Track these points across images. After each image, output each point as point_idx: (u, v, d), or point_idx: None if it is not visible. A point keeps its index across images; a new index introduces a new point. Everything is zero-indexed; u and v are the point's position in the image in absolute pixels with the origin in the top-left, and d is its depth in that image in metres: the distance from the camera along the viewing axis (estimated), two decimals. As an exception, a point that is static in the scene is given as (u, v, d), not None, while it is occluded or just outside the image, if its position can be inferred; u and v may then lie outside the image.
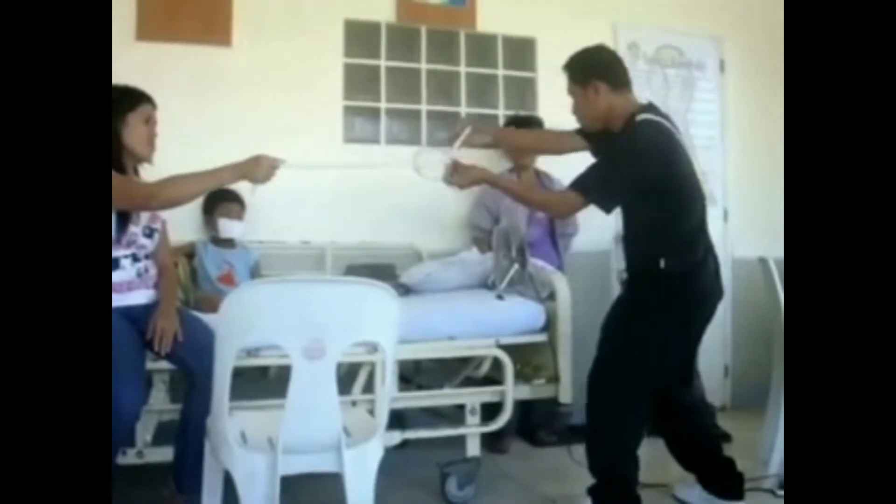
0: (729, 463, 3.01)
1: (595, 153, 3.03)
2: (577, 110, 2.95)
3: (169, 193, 2.61)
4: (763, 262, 3.40)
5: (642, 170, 2.70)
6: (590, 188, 2.76)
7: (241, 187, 3.04)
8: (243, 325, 2.13)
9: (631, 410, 2.83)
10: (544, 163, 4.20)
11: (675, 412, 3.02)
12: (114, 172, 2.56)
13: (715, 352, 4.78)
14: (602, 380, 2.88)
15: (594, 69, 2.88)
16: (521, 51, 4.56)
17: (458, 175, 2.98)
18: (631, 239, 2.94)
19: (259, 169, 2.67)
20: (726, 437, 4.03)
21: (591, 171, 2.82)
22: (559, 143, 3.25)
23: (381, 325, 2.23)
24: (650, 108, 2.86)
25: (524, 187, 2.98)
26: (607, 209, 2.86)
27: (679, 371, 2.99)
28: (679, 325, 2.83)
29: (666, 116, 2.87)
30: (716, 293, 2.88)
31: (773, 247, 3.73)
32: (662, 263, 2.75)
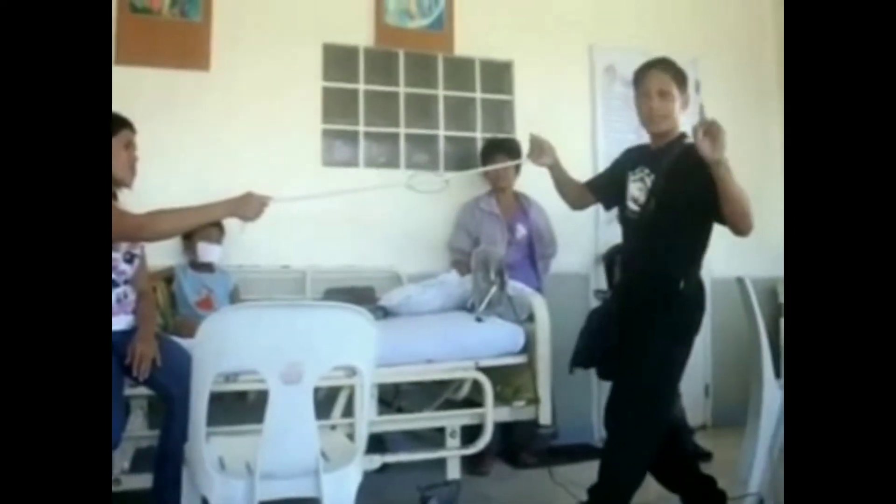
0: (709, 481, 3.01)
1: (607, 206, 3.18)
2: (666, 107, 2.88)
3: (158, 226, 2.62)
4: (741, 281, 3.41)
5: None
6: None
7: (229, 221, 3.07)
8: (220, 350, 2.12)
9: (653, 434, 2.83)
10: (521, 185, 4.23)
11: None
12: None
13: (695, 371, 4.79)
14: (628, 408, 2.85)
15: (687, 83, 2.93)
16: (499, 74, 4.60)
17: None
18: (649, 258, 2.90)
19: (249, 207, 2.69)
20: (707, 456, 4.05)
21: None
22: (582, 198, 3.25)
23: (359, 349, 2.23)
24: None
25: (740, 188, 2.69)
26: None
27: None
28: (691, 344, 2.87)
29: None
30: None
31: (751, 267, 3.78)
32: (682, 285, 2.77)
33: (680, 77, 2.91)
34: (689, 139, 2.85)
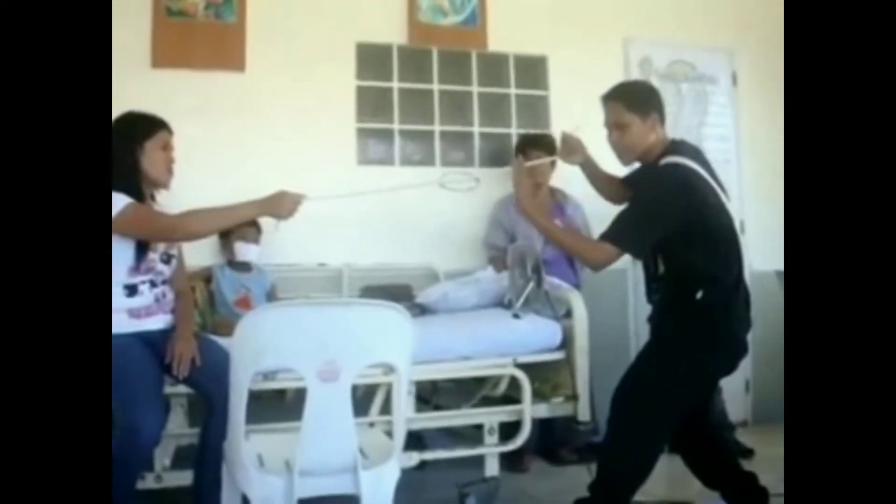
0: (751, 478, 2.98)
1: None
2: (625, 141, 2.87)
3: (191, 227, 2.66)
4: (780, 275, 3.37)
5: (671, 216, 2.70)
6: (624, 237, 2.73)
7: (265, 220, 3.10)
8: (257, 348, 2.14)
9: (651, 438, 2.81)
10: (557, 180, 4.20)
11: (690, 430, 2.99)
12: (136, 203, 2.60)
13: (735, 366, 4.74)
14: (626, 405, 2.84)
15: (654, 101, 2.88)
16: (533, 69, 4.58)
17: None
18: (665, 273, 2.88)
19: (282, 205, 2.71)
20: (748, 453, 4.00)
21: (622, 219, 2.78)
22: (620, 192, 3.18)
23: (395, 347, 2.24)
24: (678, 147, 2.85)
25: (561, 234, 2.94)
26: (639, 255, 2.92)
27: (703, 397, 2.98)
28: (708, 355, 2.80)
29: (695, 152, 2.86)
30: (745, 325, 2.86)
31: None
32: (700, 295, 2.73)
33: (638, 101, 2.85)
34: (667, 159, 2.79)
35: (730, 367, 2.91)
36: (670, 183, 2.73)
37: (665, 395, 2.75)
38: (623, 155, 2.94)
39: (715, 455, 3.05)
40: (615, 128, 2.88)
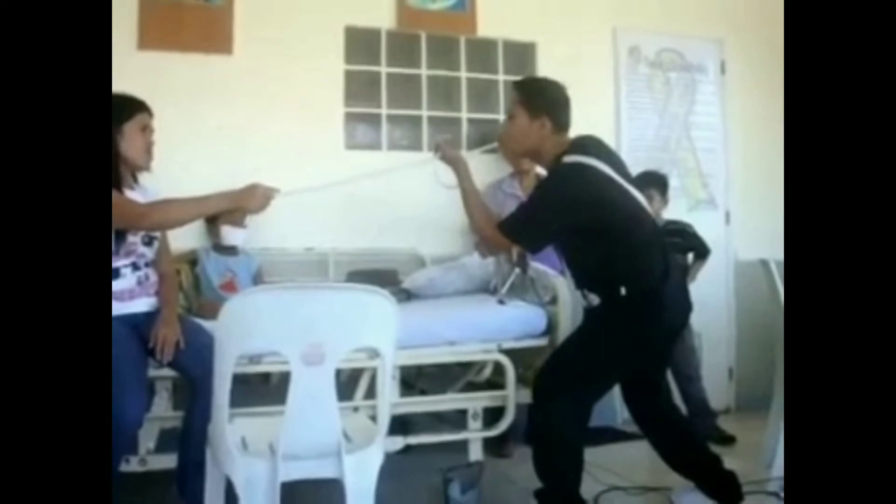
0: (716, 462, 2.92)
1: None
2: (509, 131, 2.92)
3: (159, 217, 2.63)
4: (764, 264, 3.39)
5: (566, 216, 2.69)
6: (516, 230, 2.77)
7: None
8: (242, 331, 2.13)
9: (574, 415, 2.79)
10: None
11: (652, 419, 2.98)
12: None
13: (719, 354, 4.79)
14: (547, 384, 2.84)
15: (550, 105, 2.84)
16: (522, 55, 4.58)
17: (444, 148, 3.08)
18: (583, 273, 2.87)
19: (253, 199, 2.67)
20: (730, 440, 4.03)
21: (520, 211, 2.81)
22: None
23: (380, 331, 2.24)
24: (581, 146, 2.79)
25: (476, 202, 2.95)
26: (533, 251, 2.98)
27: (647, 379, 2.97)
28: (629, 349, 2.77)
29: (600, 150, 2.82)
30: (678, 306, 2.81)
31: (775, 249, 3.74)
32: (624, 290, 2.70)
33: (531, 100, 2.84)
34: (566, 158, 2.75)
35: (657, 354, 2.90)
36: (567, 185, 2.72)
37: (581, 382, 2.74)
38: (505, 145, 3.05)
39: (676, 442, 3.02)
40: (508, 116, 2.93)
